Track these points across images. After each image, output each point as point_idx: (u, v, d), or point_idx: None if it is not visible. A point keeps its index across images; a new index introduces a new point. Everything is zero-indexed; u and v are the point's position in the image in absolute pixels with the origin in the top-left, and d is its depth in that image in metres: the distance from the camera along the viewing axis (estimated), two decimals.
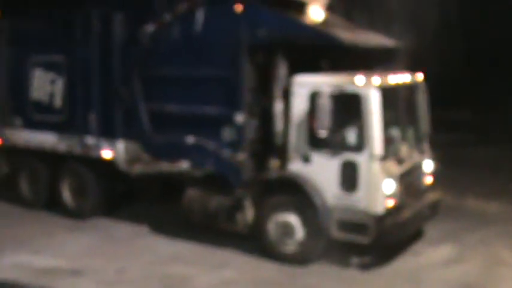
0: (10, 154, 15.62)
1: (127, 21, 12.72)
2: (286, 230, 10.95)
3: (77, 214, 14.12)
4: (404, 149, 11.14)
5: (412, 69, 11.94)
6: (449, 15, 23.89)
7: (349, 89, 10.30)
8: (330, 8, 12.90)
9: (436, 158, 12.31)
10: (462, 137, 22.87)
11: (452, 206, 14.15)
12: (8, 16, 15.51)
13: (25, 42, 14.90)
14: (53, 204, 14.64)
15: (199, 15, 11.58)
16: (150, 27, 12.13)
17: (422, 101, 12.00)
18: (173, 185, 12.63)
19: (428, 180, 12.04)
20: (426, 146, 12.16)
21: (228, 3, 11.19)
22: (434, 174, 12.16)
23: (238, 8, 11.09)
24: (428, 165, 12.02)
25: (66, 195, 14.32)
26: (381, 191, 10.22)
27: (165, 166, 12.32)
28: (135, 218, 13.84)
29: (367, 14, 12.69)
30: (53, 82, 14.17)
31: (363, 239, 10.33)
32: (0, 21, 15.61)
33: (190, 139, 11.83)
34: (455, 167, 16.79)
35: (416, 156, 11.66)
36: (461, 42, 25.53)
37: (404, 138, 11.29)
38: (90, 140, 13.44)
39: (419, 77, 11.99)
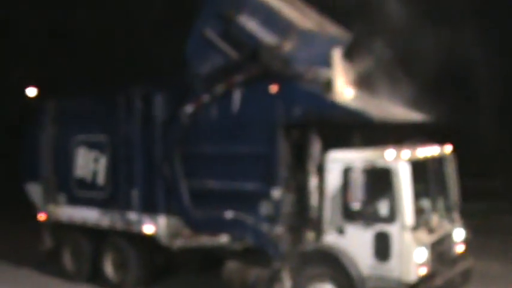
0: (54, 229, 16.13)
1: (167, 102, 13.32)
2: None
3: (119, 287, 14.46)
4: (435, 219, 11.41)
5: (442, 141, 12.36)
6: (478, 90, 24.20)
7: (380, 163, 10.72)
8: (359, 84, 13.40)
9: (467, 227, 12.50)
10: (493, 205, 22.90)
11: (483, 272, 14.26)
12: (53, 96, 16.26)
13: (69, 122, 15.63)
14: (95, 278, 15.00)
15: (237, 96, 12.15)
16: (189, 107, 12.67)
17: (451, 172, 12.34)
18: (213, 257, 12.98)
19: (460, 248, 12.26)
20: (456, 215, 12.42)
21: (264, 84, 11.75)
22: (465, 242, 12.37)
23: (274, 88, 11.65)
24: (459, 234, 12.24)
25: (108, 268, 14.71)
26: (413, 260, 10.46)
27: (205, 240, 12.71)
28: None
29: (396, 86, 13.06)
30: (96, 160, 14.76)
31: None
32: (46, 101, 16.40)
33: (229, 214, 12.23)
34: (486, 235, 16.96)
35: (447, 226, 11.91)
36: (489, 115, 25.71)
37: (434, 208, 11.62)
38: (132, 215, 13.89)
39: (448, 149, 12.40)
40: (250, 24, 12.25)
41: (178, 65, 13.52)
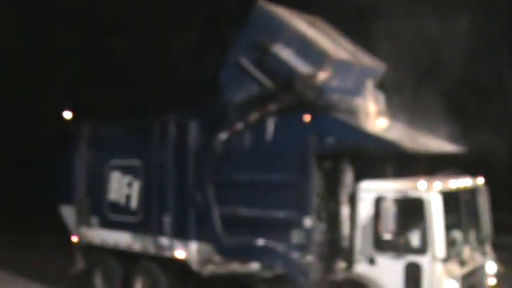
0: (87, 251, 16.26)
1: (201, 129, 13.45)
2: None
3: None
4: (466, 251, 11.39)
5: (475, 173, 12.36)
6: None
7: (412, 194, 10.75)
8: (392, 114, 13.47)
9: (499, 260, 12.47)
10: None
11: None
12: (89, 120, 16.50)
13: (104, 147, 15.85)
14: None
15: (270, 125, 12.25)
16: (223, 135, 12.77)
17: (484, 204, 12.34)
18: (243, 285, 13.00)
19: (491, 282, 12.22)
20: (489, 247, 12.41)
21: (297, 113, 11.84)
22: (497, 276, 12.32)
23: (307, 118, 11.73)
24: (491, 267, 12.22)
25: None
26: None
27: (235, 267, 12.71)
28: None
29: (429, 118, 13.11)
30: (129, 185, 14.93)
31: None
32: (82, 125, 16.65)
33: (260, 241, 12.27)
34: None
35: (479, 258, 11.89)
36: None
37: (466, 240, 11.59)
38: (164, 240, 13.97)
39: (480, 180, 12.40)
40: (285, 53, 12.38)
41: (213, 91, 13.70)
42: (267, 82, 12.55)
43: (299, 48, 12.36)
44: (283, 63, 12.34)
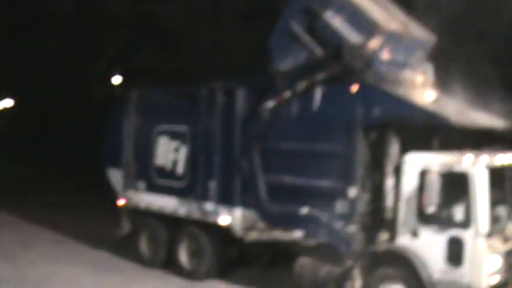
0: (133, 214, 16.57)
1: (249, 97, 13.55)
2: None
3: (192, 275, 14.77)
4: (510, 228, 11.33)
5: None
6: None
7: (458, 168, 10.73)
8: (441, 87, 13.37)
9: None
10: None
11: None
12: (138, 85, 16.67)
13: (152, 112, 16.04)
14: (169, 264, 15.38)
15: (317, 94, 12.29)
16: (270, 103, 12.86)
17: None
18: (285, 252, 13.15)
19: None
20: None
21: (345, 83, 11.86)
22: None
23: (354, 88, 11.74)
24: None
25: (183, 256, 15.04)
26: (486, 267, 10.45)
27: (279, 234, 12.89)
28: (247, 282, 14.37)
29: (478, 91, 12.98)
30: (176, 150, 15.12)
31: None
32: (131, 90, 16.85)
33: (304, 210, 12.38)
34: None
35: None
36: None
37: (510, 217, 11.50)
38: (208, 206, 14.18)
39: None
40: (336, 21, 12.37)
41: (261, 59, 13.73)
42: (317, 49, 12.56)
43: (350, 16, 12.33)
44: (333, 31, 12.34)
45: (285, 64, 13.03)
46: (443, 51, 13.78)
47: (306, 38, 12.71)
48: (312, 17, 12.57)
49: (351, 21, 12.29)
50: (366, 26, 12.17)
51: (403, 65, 12.91)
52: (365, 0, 12.88)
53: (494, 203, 10.96)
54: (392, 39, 12.46)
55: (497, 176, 11.08)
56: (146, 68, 32.19)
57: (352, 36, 12.21)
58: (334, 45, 12.16)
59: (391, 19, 12.94)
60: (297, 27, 12.84)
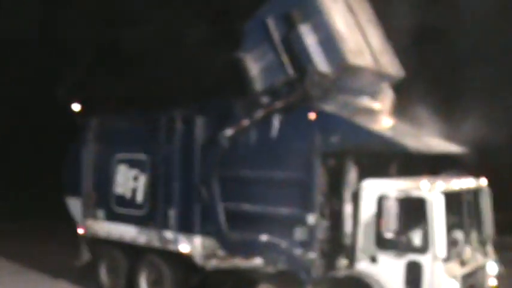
0: (92, 243, 16.40)
1: (208, 125, 13.54)
2: None
3: None
4: (468, 251, 11.42)
5: (479, 174, 12.41)
6: None
7: (415, 193, 10.82)
8: (397, 115, 13.53)
9: (501, 261, 12.52)
10: None
11: None
12: (96, 114, 16.63)
13: (112, 140, 15.97)
14: None
15: (276, 122, 12.33)
16: (229, 131, 12.86)
17: (486, 205, 12.39)
18: (246, 280, 13.12)
19: (492, 282, 12.27)
20: (490, 248, 12.46)
21: (303, 111, 11.92)
22: (498, 276, 12.37)
23: (312, 115, 11.82)
24: (492, 268, 12.28)
25: (143, 285, 14.85)
26: None
27: (239, 262, 12.83)
28: None
29: (435, 118, 13.17)
30: (135, 178, 15.06)
31: None
32: (90, 119, 16.77)
33: (264, 237, 12.37)
34: None
35: (480, 259, 11.95)
36: None
37: (468, 240, 11.62)
38: (168, 234, 14.08)
39: (483, 181, 12.46)
40: (309, 39, 12.26)
41: (222, 85, 13.75)
42: (284, 57, 12.46)
43: (324, 40, 12.17)
44: (304, 47, 12.25)
45: (252, 56, 12.94)
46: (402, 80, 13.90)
47: (278, 42, 12.60)
48: (289, 24, 12.45)
49: (323, 46, 12.18)
50: (335, 56, 12.06)
51: (364, 93, 13.02)
52: (345, 24, 12.74)
53: (452, 227, 11.13)
54: (359, 72, 12.49)
55: (454, 200, 11.26)
56: (107, 95, 32.06)
57: (320, 61, 12.13)
58: (301, 63, 12.15)
59: (364, 51, 12.82)
60: (272, 26, 12.71)
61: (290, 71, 12.31)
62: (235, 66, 13.05)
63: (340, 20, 12.61)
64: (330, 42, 12.13)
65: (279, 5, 12.81)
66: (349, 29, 12.77)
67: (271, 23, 12.71)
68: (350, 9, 13.29)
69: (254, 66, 12.94)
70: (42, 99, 36.23)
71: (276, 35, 12.64)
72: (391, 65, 13.60)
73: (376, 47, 13.30)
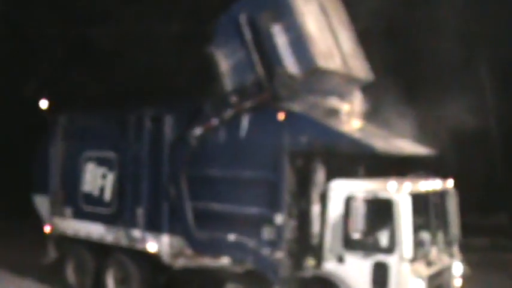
0: (60, 241, 16.30)
1: (177, 123, 13.53)
2: None
3: None
4: (434, 252, 11.59)
5: (447, 175, 12.54)
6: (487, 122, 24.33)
7: (382, 194, 10.91)
8: (366, 117, 13.60)
9: (467, 262, 12.66)
10: (498, 242, 22.78)
11: None
12: (65, 112, 16.53)
13: (80, 137, 15.88)
14: None
15: (245, 121, 12.34)
16: (198, 130, 12.89)
17: (452, 206, 12.52)
18: (213, 279, 13.11)
19: (457, 283, 12.41)
20: (456, 249, 12.58)
21: (272, 111, 11.94)
22: (463, 277, 12.52)
23: (281, 116, 11.83)
24: (457, 269, 12.41)
25: (111, 284, 14.82)
26: None
27: (206, 261, 12.88)
28: None
29: (402, 119, 13.27)
30: (104, 176, 15.00)
31: None
32: (58, 116, 16.65)
33: (231, 237, 12.39)
34: (486, 271, 17.02)
35: (446, 260, 12.07)
36: (499, 145, 25.80)
37: (434, 241, 11.75)
38: (136, 233, 14.07)
39: (450, 183, 12.58)
40: (280, 39, 12.25)
41: (193, 84, 13.72)
42: (254, 56, 12.42)
43: (295, 41, 12.15)
44: (274, 47, 12.24)
45: (222, 52, 12.90)
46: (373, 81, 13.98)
47: (249, 40, 12.56)
48: (261, 23, 12.45)
49: (294, 47, 12.15)
50: (305, 58, 12.04)
51: (333, 95, 13.06)
52: (317, 26, 12.73)
53: (418, 228, 11.23)
54: (328, 75, 12.53)
55: (421, 202, 11.37)
56: (76, 91, 31.82)
57: (289, 62, 12.11)
58: (270, 63, 12.16)
59: (334, 54, 12.82)
60: (244, 23, 12.65)
61: (260, 70, 12.29)
62: (205, 60, 13.04)
63: (312, 21, 12.62)
64: (300, 44, 12.14)
65: (252, 3, 12.80)
66: (320, 31, 12.78)
67: (243, 20, 12.66)
68: (323, 10, 13.30)
69: (224, 63, 12.91)
70: (8, 96, 35.83)
71: (247, 33, 12.60)
72: (361, 69, 13.65)
73: (346, 50, 13.34)
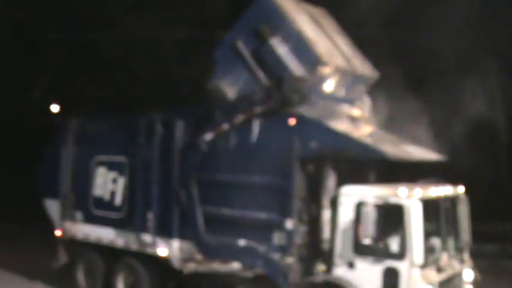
0: (70, 245, 16.34)
1: (188, 128, 13.57)
2: None
3: None
4: (444, 258, 11.56)
5: (456, 182, 12.52)
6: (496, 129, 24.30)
7: (393, 200, 10.91)
8: (376, 122, 13.62)
9: (477, 268, 12.62)
10: (505, 248, 22.71)
11: None
12: (76, 114, 16.59)
13: (91, 142, 15.93)
14: None
15: (255, 127, 12.38)
16: (209, 135, 12.91)
17: (463, 212, 12.50)
18: (223, 284, 13.11)
19: None
20: (467, 255, 12.56)
21: (283, 116, 11.98)
22: (474, 283, 12.49)
23: (292, 121, 11.86)
24: (468, 275, 12.38)
25: None
26: None
27: (216, 266, 12.87)
28: None
29: (413, 126, 13.29)
30: (114, 181, 15.03)
31: None
32: (69, 119, 16.71)
33: (242, 242, 12.42)
34: (496, 277, 17.01)
35: (456, 266, 12.04)
36: (508, 152, 25.79)
37: (445, 247, 11.73)
38: (146, 237, 14.08)
39: (461, 189, 12.56)
40: (281, 49, 12.42)
41: (201, 89, 13.76)
42: (259, 73, 12.60)
43: (296, 47, 12.38)
44: (277, 59, 12.40)
45: (226, 81, 13.06)
46: (381, 86, 14.01)
47: (250, 60, 12.75)
48: (259, 40, 12.62)
49: (296, 52, 12.35)
50: (310, 59, 12.24)
51: (342, 99, 13.10)
52: (313, 32, 12.99)
53: (429, 234, 11.20)
54: (334, 74, 12.61)
55: (431, 207, 11.34)
56: (86, 96, 31.93)
57: (295, 67, 12.28)
58: (277, 74, 12.25)
59: (336, 54, 13.07)
60: (242, 47, 12.86)
61: (267, 83, 12.44)
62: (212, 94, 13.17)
63: (307, 28, 12.85)
64: (302, 47, 12.34)
65: (245, 25, 13.03)
66: (317, 36, 13.00)
67: (240, 45, 12.89)
68: (315, 20, 13.57)
69: (230, 90, 13.07)
70: (15, 100, 35.96)
71: (247, 55, 12.79)
72: (365, 67, 13.79)
73: (346, 52, 13.53)
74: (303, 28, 12.69)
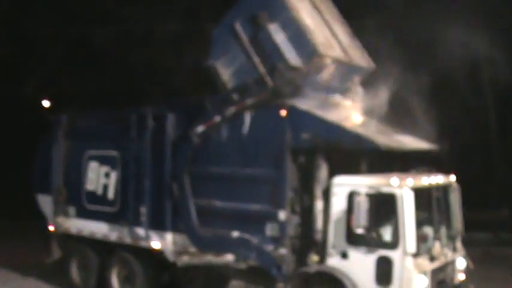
0: (63, 240, 16.34)
1: (179, 122, 13.55)
2: None
3: None
4: (437, 247, 11.57)
5: (449, 170, 12.55)
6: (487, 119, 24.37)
7: (385, 189, 10.93)
8: (367, 112, 13.60)
9: (470, 256, 12.65)
10: (498, 235, 22.88)
11: None
12: (68, 109, 16.56)
13: (83, 137, 15.91)
14: None
15: (247, 118, 12.38)
16: (200, 128, 12.90)
17: (455, 201, 12.53)
18: (217, 276, 13.15)
19: (461, 277, 12.43)
20: (459, 244, 12.58)
21: (274, 108, 11.99)
22: (467, 271, 12.53)
23: (283, 112, 11.87)
24: (460, 263, 12.43)
25: (115, 282, 14.85)
26: (414, 286, 10.64)
27: (210, 258, 12.84)
28: None
29: (404, 115, 13.28)
30: (107, 175, 15.03)
31: None
32: (61, 114, 16.68)
33: (235, 233, 12.41)
34: (489, 265, 17.07)
35: (449, 254, 12.06)
36: (499, 141, 25.83)
37: (437, 236, 11.76)
38: (140, 231, 14.08)
39: (452, 178, 12.60)
40: (279, 37, 12.34)
41: (193, 82, 13.76)
42: (255, 58, 12.52)
43: (293, 35, 12.27)
44: (274, 46, 12.32)
45: (222, 62, 13.02)
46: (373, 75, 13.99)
47: (247, 44, 12.68)
48: (257, 25, 12.53)
49: (293, 41, 12.26)
50: (306, 48, 12.15)
51: (336, 89, 13.10)
52: (312, 20, 12.88)
53: (421, 223, 11.25)
54: (330, 65, 12.56)
55: (423, 197, 11.39)
56: (77, 91, 31.86)
57: (291, 56, 12.19)
58: (272, 61, 12.21)
59: (333, 44, 12.99)
60: (240, 30, 12.77)
61: (262, 69, 12.35)
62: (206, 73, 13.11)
63: (306, 16, 12.73)
64: (299, 37, 12.23)
65: (245, 8, 12.91)
66: (316, 24, 12.89)
67: (238, 27, 12.80)
68: (315, 7, 13.45)
69: (225, 72, 13.02)
70: (8, 96, 35.85)
71: (244, 38, 12.72)
72: (361, 58, 13.73)
73: (344, 41, 13.44)
74: (302, 16, 12.57)
